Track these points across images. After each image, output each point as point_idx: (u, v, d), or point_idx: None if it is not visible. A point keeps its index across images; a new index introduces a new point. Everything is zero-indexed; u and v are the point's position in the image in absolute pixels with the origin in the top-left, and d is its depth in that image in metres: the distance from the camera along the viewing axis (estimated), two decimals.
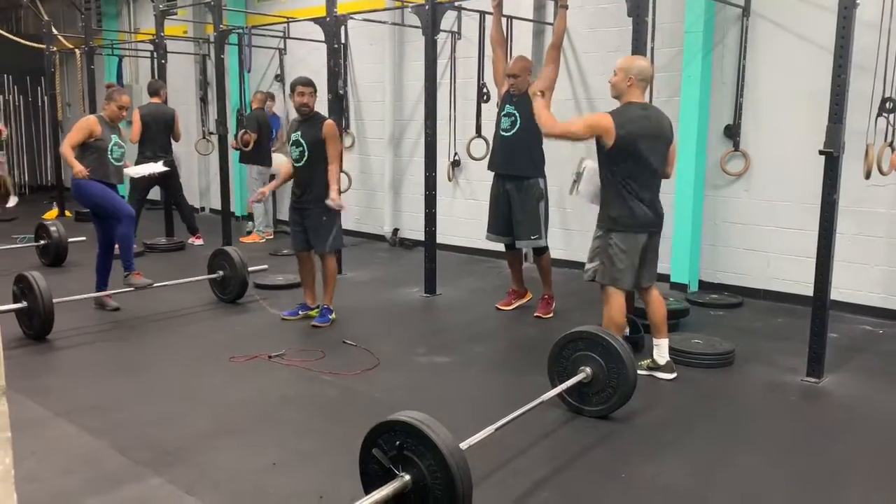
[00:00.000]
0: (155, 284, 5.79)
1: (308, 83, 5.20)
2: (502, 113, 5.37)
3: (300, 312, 5.52)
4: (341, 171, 7.24)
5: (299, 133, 5.20)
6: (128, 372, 4.46)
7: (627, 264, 4.09)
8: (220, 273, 6.09)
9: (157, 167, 6.61)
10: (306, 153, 5.17)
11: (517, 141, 5.30)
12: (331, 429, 3.64)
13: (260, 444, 3.48)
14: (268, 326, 5.40)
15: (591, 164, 4.32)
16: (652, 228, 4.16)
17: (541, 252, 5.60)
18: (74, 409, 3.82)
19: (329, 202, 5.11)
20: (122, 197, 11.50)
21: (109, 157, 5.60)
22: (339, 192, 5.21)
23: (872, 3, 4.29)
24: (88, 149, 5.54)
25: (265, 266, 6.46)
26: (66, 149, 5.52)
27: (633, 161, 4.01)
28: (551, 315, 5.60)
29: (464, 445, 2.72)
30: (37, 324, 4.92)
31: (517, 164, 5.35)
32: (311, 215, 5.24)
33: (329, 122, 5.21)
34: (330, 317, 5.43)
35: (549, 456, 3.36)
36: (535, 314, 5.61)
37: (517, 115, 5.26)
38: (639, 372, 4.35)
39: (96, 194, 5.56)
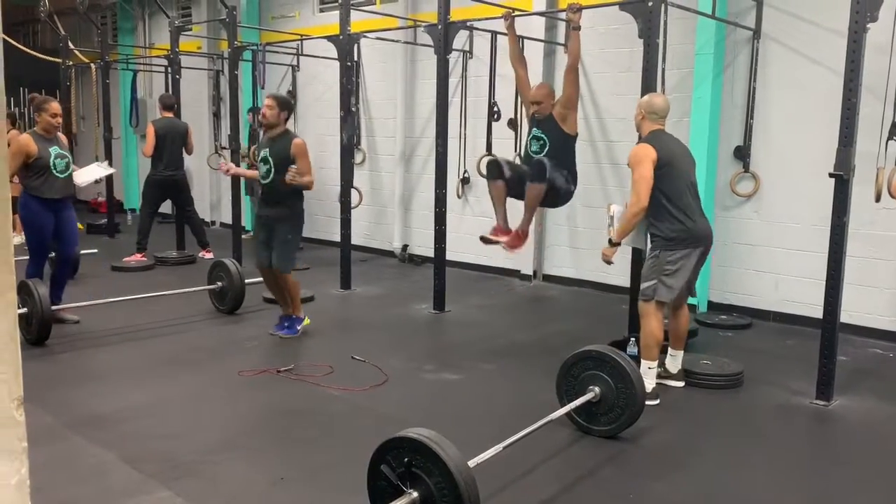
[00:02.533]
0: (157, 294, 6.02)
1: (272, 97, 5.29)
2: (530, 136, 5.33)
3: (286, 325, 5.53)
4: (352, 186, 7.31)
5: (267, 150, 5.27)
6: (135, 383, 4.47)
7: (682, 279, 4.23)
8: (219, 284, 6.16)
9: (104, 170, 6.59)
10: (272, 171, 5.21)
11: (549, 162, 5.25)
12: (339, 444, 3.65)
13: (268, 458, 3.49)
14: (276, 341, 5.42)
15: (618, 208, 4.50)
16: (706, 242, 4.32)
17: (538, 178, 4.99)
18: (84, 420, 3.85)
19: (288, 178, 5.07)
20: (134, 210, 11.55)
21: (53, 171, 5.44)
22: (294, 179, 5.09)
23: (883, 28, 4.30)
24: (30, 169, 5.36)
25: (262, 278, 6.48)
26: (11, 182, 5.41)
27: (673, 179, 4.21)
28: (517, 250, 5.40)
29: (472, 463, 2.72)
30: (35, 329, 5.08)
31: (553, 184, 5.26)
32: (279, 233, 5.29)
33: (298, 140, 5.21)
34: (298, 327, 5.49)
35: (557, 475, 3.35)
36: (504, 245, 5.31)
37: (545, 138, 5.22)
38: None
39: (27, 224, 5.47)
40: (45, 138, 5.48)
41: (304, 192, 5.36)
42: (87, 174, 6.27)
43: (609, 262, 4.42)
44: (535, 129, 5.28)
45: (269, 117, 5.20)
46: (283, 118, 5.25)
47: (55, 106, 5.52)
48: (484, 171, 7.44)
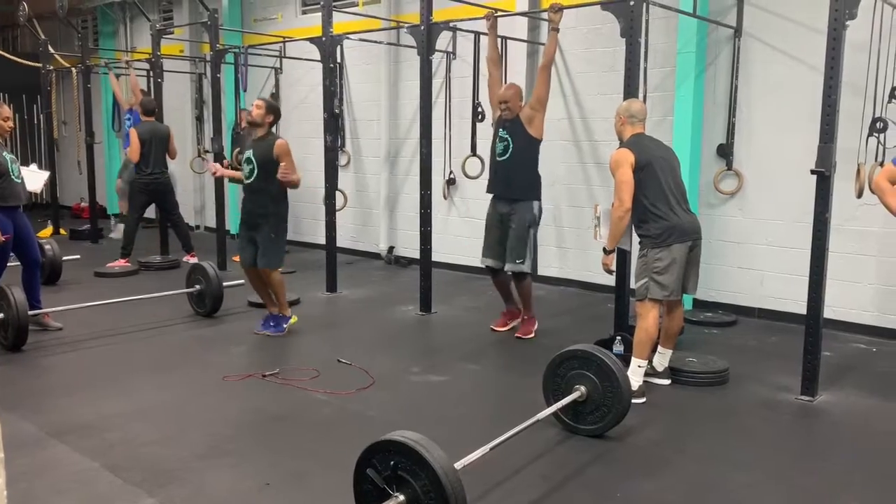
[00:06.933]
0: (137, 297, 6.00)
1: (263, 99, 5.44)
2: (496, 137, 5.39)
3: (272, 323, 5.59)
4: (336, 189, 7.29)
5: (251, 151, 5.38)
6: (117, 389, 4.42)
7: (673, 276, 4.23)
8: (197, 287, 6.15)
9: (42, 175, 6.59)
10: (256, 170, 5.31)
11: (512, 165, 5.32)
12: (325, 448, 3.63)
13: (253, 463, 3.46)
14: (261, 345, 5.39)
15: (604, 208, 4.57)
16: (694, 237, 4.34)
17: (521, 278, 5.46)
18: (66, 428, 3.80)
19: (280, 175, 5.18)
20: (117, 215, 11.43)
21: (12, 176, 5.26)
22: (286, 176, 5.22)
23: (862, 25, 4.34)
24: None
25: (242, 281, 6.45)
26: None
27: (653, 180, 4.25)
28: (532, 335, 5.54)
29: (458, 465, 2.71)
30: (12, 335, 5.05)
31: (514, 187, 5.35)
32: (263, 231, 5.38)
33: (281, 141, 5.31)
34: (285, 325, 5.57)
35: (545, 475, 3.35)
36: (517, 335, 5.56)
37: (509, 139, 5.29)
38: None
39: None
40: None
41: (288, 192, 5.42)
42: (32, 184, 6.27)
43: (610, 272, 4.52)
44: (500, 130, 5.34)
45: (254, 116, 5.31)
46: (268, 121, 5.33)
47: (7, 110, 5.35)
48: (468, 173, 7.50)
